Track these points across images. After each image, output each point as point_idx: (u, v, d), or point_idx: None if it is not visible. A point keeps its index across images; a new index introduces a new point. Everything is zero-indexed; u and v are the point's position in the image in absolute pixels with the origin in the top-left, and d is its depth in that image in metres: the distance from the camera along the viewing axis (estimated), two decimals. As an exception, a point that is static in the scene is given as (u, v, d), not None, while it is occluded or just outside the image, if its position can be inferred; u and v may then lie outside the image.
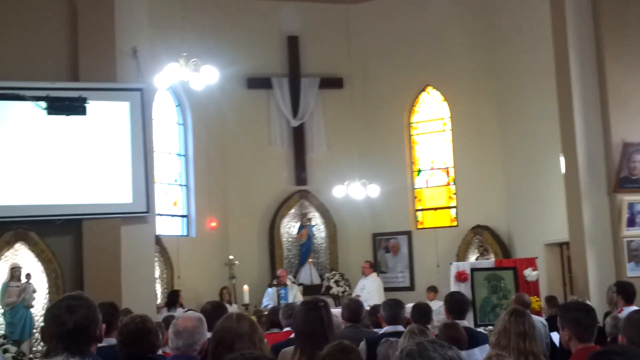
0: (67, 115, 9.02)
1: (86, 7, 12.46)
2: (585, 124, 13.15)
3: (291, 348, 5.26)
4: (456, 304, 7.16)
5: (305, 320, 5.14)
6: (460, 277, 13.62)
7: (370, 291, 15.17)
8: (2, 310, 11.68)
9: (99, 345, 3.93)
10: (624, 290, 9.12)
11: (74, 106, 8.69)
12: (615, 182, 12.89)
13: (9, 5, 12.30)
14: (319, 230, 17.97)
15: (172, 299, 14.41)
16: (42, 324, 11.67)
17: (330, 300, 15.60)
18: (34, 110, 8.90)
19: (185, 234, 16.58)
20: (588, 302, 9.26)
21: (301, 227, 17.84)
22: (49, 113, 8.78)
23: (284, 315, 7.42)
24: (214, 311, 6.34)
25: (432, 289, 15.58)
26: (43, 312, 11.82)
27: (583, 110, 13.15)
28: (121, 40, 12.58)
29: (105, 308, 6.04)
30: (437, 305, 15.06)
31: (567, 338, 4.80)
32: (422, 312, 7.11)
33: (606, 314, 9.28)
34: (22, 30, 12.31)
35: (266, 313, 11.75)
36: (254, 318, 4.89)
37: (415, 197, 18.33)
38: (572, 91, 13.15)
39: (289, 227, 17.87)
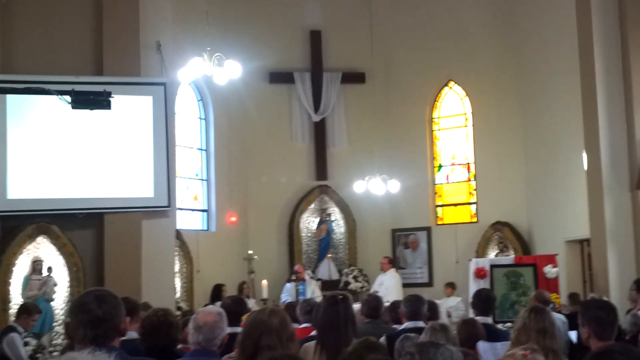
0: (92, 109, 9.06)
1: (111, 2, 12.59)
2: (609, 120, 13.08)
3: (313, 343, 5.30)
4: (482, 301, 7.17)
5: (324, 315, 5.23)
6: (480, 273, 13.61)
7: (388, 287, 15.15)
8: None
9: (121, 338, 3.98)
10: (643, 288, 9.09)
11: (98, 100, 8.73)
12: (638, 179, 12.81)
13: (34, 0, 12.40)
14: (339, 225, 17.99)
15: (216, 293, 14.58)
16: (63, 317, 11.79)
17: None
18: (59, 104, 8.96)
19: (205, 228, 16.64)
20: (605, 299, 9.24)
21: (321, 223, 17.86)
22: (74, 107, 8.83)
23: (302, 311, 7.42)
24: (233, 306, 6.39)
25: (450, 285, 15.57)
26: (64, 305, 11.95)
27: (607, 107, 13.07)
28: (145, 34, 12.67)
29: (126, 302, 6.12)
30: (455, 302, 15.09)
31: (587, 336, 4.80)
32: (430, 309, 7.15)
33: (628, 312, 9.25)
34: (48, 25, 12.45)
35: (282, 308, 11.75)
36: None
37: (436, 193, 18.30)
38: (596, 87, 13.08)
39: (309, 222, 17.89)
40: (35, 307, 10.15)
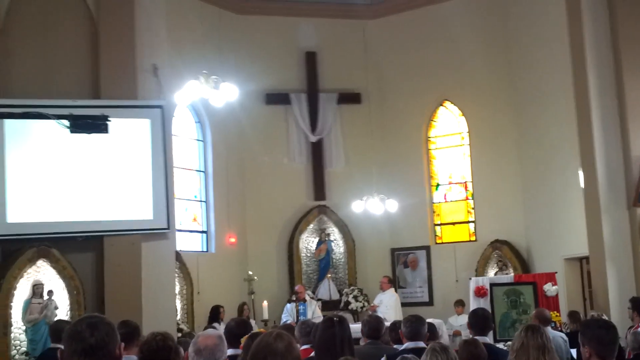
0: (90, 133, 9.11)
1: (107, 26, 12.62)
2: (604, 138, 13.12)
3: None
4: (479, 320, 7.16)
5: (321, 337, 5.26)
6: (480, 292, 13.60)
7: (387, 305, 15.17)
8: (24, 327, 11.76)
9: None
10: (639, 306, 9.09)
11: (96, 124, 8.80)
12: (635, 196, 12.84)
13: (31, 25, 12.47)
14: (338, 245, 18.00)
15: (214, 314, 14.56)
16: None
17: (349, 316, 15.62)
18: (57, 128, 9.01)
19: (204, 249, 16.65)
20: (604, 317, 9.23)
21: (320, 243, 17.88)
22: (72, 131, 8.88)
23: (301, 333, 7.38)
24: (237, 328, 6.38)
25: (460, 303, 15.46)
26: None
27: (602, 124, 13.12)
28: (142, 58, 12.71)
29: (125, 325, 6.11)
30: (465, 320, 15.01)
31: (588, 355, 4.78)
32: (429, 330, 7.15)
33: (629, 329, 9.24)
34: (45, 50, 12.48)
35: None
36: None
37: (434, 212, 18.33)
38: (591, 105, 13.13)
39: (308, 242, 17.91)
40: (68, 323, 9.94)
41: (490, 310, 12.36)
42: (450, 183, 18.33)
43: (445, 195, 18.37)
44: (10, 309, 11.63)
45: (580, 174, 13.56)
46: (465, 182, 18.11)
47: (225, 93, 11.53)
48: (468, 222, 18.03)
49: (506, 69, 17.13)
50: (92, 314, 3.79)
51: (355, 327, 8.23)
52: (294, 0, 18.04)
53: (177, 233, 14.24)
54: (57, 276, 12.04)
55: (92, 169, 12.43)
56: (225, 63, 15.69)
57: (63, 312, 12.00)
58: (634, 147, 12.97)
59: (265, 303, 14.24)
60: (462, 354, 5.82)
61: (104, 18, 12.66)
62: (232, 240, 16.91)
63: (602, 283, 12.91)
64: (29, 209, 12.06)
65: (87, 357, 3.51)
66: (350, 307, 16.75)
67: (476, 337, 6.70)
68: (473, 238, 17.78)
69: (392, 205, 16.16)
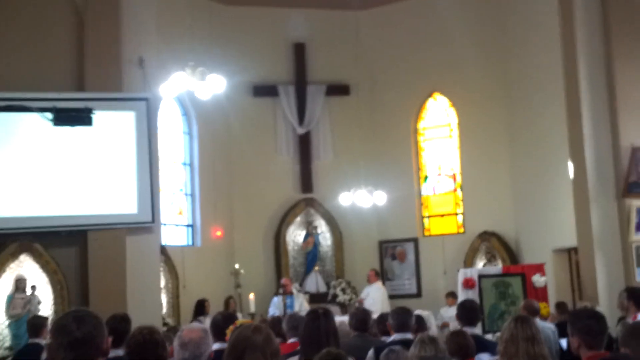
0: (73, 126, 9.02)
1: (92, 18, 12.49)
2: (594, 129, 13.10)
3: (296, 357, 5.27)
4: (467, 312, 7.14)
5: (306, 330, 5.27)
6: (468, 283, 13.57)
7: (374, 298, 15.14)
8: (7, 322, 11.67)
9: (107, 358, 3.92)
10: (635, 296, 9.06)
11: (80, 117, 8.72)
12: (624, 187, 12.83)
13: (15, 16, 12.32)
14: (325, 238, 17.94)
15: (199, 308, 14.47)
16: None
17: (336, 308, 15.57)
18: (40, 121, 8.89)
19: (190, 243, 16.55)
20: (598, 308, 9.21)
21: (307, 235, 17.81)
22: (55, 124, 8.80)
23: (289, 327, 7.33)
24: (224, 321, 6.33)
25: (451, 295, 15.42)
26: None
27: (591, 115, 13.10)
28: (127, 49, 12.59)
29: (117, 320, 6.06)
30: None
31: (577, 345, 4.76)
32: (417, 321, 7.15)
33: (619, 319, 9.23)
34: (29, 42, 12.34)
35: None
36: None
37: (422, 204, 18.28)
38: (581, 96, 13.11)
39: (295, 235, 17.83)
40: (45, 319, 9.81)
41: (478, 302, 12.34)
42: (439, 175, 18.28)
43: (433, 187, 18.31)
44: (-7, 304, 11.54)
45: (570, 165, 13.54)
46: (454, 174, 18.06)
47: (212, 85, 11.40)
48: (456, 214, 18.00)
49: (497, 60, 17.05)
50: (78, 308, 3.82)
51: (343, 319, 8.19)
52: (283, -8, 17.91)
53: (163, 227, 14.15)
54: (41, 271, 11.95)
55: (76, 162, 12.31)
56: (212, 54, 15.53)
57: (47, 306, 11.90)
58: (623, 137, 12.95)
59: (252, 296, 14.17)
60: (450, 345, 5.80)
61: (90, 9, 12.53)
62: (218, 233, 16.80)
63: (591, 274, 12.90)
64: (12, 203, 11.94)
65: (74, 351, 3.51)
66: (337, 300, 16.72)
67: (464, 329, 6.68)
68: (461, 230, 17.75)
69: (380, 198, 16.08)
